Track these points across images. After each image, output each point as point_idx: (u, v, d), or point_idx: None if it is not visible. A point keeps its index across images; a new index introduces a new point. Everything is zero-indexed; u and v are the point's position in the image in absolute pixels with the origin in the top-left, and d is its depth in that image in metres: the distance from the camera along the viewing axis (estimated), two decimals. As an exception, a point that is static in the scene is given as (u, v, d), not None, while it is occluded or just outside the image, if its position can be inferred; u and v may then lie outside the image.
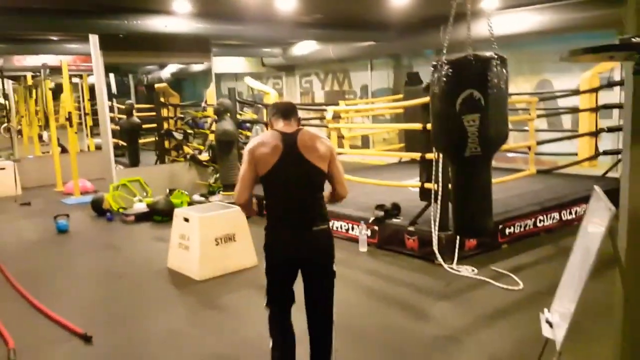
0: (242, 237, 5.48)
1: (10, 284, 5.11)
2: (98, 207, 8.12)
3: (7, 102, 12.16)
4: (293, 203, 2.92)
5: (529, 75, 9.84)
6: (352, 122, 10.70)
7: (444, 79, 3.66)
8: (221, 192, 7.76)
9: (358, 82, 13.39)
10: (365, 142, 12.73)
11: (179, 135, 10.06)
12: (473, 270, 5.07)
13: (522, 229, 6.02)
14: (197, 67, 14.67)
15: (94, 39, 8.09)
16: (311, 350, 3.08)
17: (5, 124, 10.89)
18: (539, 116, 7.33)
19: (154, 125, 10.79)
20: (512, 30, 8.89)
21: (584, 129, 7.49)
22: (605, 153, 7.54)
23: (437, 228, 5.31)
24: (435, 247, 5.28)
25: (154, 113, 10.96)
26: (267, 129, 6.46)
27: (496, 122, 3.74)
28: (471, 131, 3.66)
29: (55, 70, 10.92)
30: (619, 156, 7.08)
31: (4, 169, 9.98)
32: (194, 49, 9.05)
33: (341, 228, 6.43)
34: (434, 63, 3.71)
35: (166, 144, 10.57)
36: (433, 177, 5.39)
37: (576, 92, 7.52)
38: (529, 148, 6.57)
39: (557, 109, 8.84)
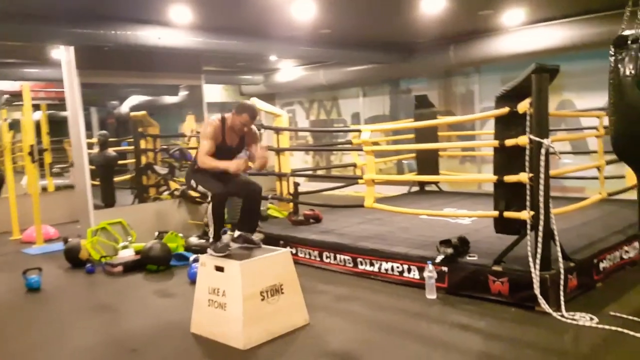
0: (291, 288, 4.26)
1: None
2: (73, 257, 6.63)
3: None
4: None
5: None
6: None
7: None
8: (229, 233, 6.46)
9: (348, 110, 12.48)
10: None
11: (162, 170, 8.69)
12: (592, 319, 4.04)
13: (611, 263, 5.09)
14: (169, 99, 13.43)
15: (68, 52, 6.75)
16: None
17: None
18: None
19: (131, 160, 9.37)
20: (534, 47, 8.28)
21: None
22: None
23: (538, 267, 4.28)
24: (537, 291, 4.23)
25: (128, 147, 9.55)
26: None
27: None
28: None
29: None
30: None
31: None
32: (184, 68, 7.87)
33: (392, 270, 5.30)
34: (620, 40, 2.74)
35: (144, 179, 9.14)
36: (528, 204, 4.38)
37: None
38: (598, 169, 5.73)
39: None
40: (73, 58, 6.75)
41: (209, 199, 4.29)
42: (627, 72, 2.69)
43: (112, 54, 6.95)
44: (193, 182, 4.36)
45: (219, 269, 4.08)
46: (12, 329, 4.63)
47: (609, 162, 5.83)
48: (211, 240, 4.27)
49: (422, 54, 9.67)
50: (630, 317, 4.01)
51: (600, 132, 5.64)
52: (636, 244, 5.47)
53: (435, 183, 9.30)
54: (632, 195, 6.74)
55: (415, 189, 9.48)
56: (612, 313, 4.13)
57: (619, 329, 3.80)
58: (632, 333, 3.73)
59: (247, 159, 4.43)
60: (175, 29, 6.69)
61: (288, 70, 12.02)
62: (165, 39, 6.63)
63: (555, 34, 8.01)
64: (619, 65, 2.75)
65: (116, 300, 5.30)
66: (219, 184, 4.19)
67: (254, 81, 12.61)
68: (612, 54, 2.82)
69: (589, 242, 5.14)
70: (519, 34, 8.37)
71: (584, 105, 8.63)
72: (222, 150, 4.26)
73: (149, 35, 6.48)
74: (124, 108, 12.09)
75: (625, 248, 5.30)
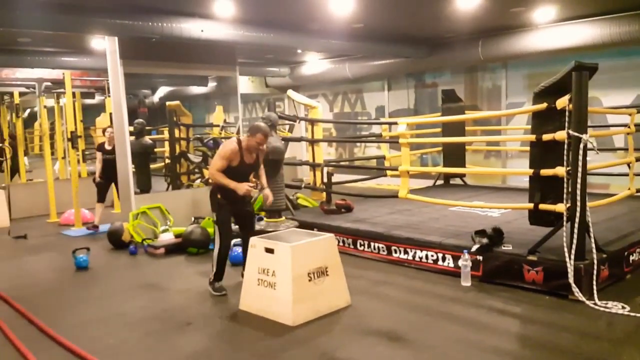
0: (335, 271, 4.49)
1: (52, 340, 3.92)
2: (116, 239, 6.93)
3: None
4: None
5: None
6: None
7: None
8: (265, 219, 6.71)
9: (373, 103, 12.67)
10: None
11: (196, 158, 8.97)
12: (624, 307, 4.22)
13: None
14: (196, 90, 13.71)
15: (113, 43, 7.01)
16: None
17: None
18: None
19: (163, 149, 9.68)
20: (562, 44, 8.39)
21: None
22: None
23: (573, 257, 4.46)
24: (571, 280, 4.42)
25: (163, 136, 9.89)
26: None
27: None
28: None
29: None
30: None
31: (-7, 195, 8.64)
32: (220, 59, 8.09)
33: (427, 258, 5.51)
34: None
35: (177, 167, 9.45)
36: (565, 196, 4.57)
37: None
38: (629, 165, 5.88)
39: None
40: (117, 48, 7.01)
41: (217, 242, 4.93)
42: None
43: (152, 45, 7.20)
44: (214, 216, 5.01)
45: (269, 250, 4.33)
46: (68, 303, 4.91)
47: (638, 159, 5.96)
48: (212, 279, 4.93)
49: (449, 48, 9.81)
50: (661, 306, 4.18)
51: (631, 130, 5.77)
52: (664, 238, 5.61)
53: (461, 177, 9.48)
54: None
55: (440, 182, 9.67)
56: (642, 302, 4.31)
57: (651, 317, 3.98)
58: (663, 320, 3.92)
59: (255, 186, 4.96)
60: (218, 22, 6.91)
61: (314, 63, 12.22)
62: (208, 31, 6.86)
63: (584, 32, 8.11)
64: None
65: (162, 279, 5.58)
66: (230, 233, 5.01)
67: (280, 73, 12.82)
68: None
69: (619, 235, 5.30)
70: (548, 31, 8.49)
71: (610, 103, 8.74)
72: (241, 170, 4.83)
73: (192, 28, 6.72)
74: (156, 97, 12.41)
75: (655, 242, 5.45)
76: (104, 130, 8.21)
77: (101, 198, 8.18)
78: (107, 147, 8.06)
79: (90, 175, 11.21)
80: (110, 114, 8.31)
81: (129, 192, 7.32)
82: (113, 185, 8.15)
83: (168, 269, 5.99)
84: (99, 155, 8.11)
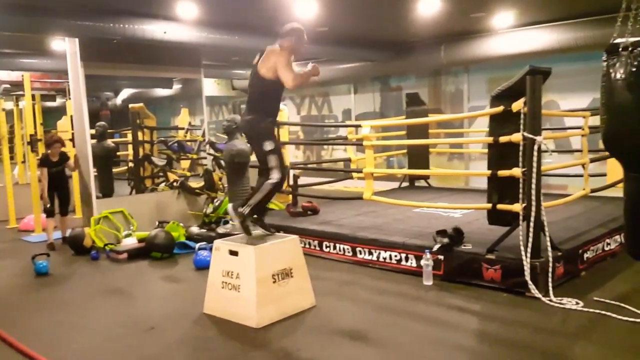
0: (299, 273, 4.52)
1: (12, 347, 3.83)
2: (77, 245, 6.79)
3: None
4: None
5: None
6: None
7: (637, 63, 2.96)
8: (231, 222, 6.70)
9: (339, 106, 12.76)
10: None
11: (160, 161, 8.86)
12: (578, 303, 4.38)
13: (595, 254, 5.46)
14: (161, 92, 13.57)
15: (73, 44, 6.89)
16: None
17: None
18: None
19: (126, 152, 9.53)
20: (521, 48, 8.64)
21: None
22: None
23: (529, 255, 4.61)
24: (527, 277, 4.56)
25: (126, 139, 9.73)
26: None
27: None
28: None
29: None
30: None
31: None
32: (184, 62, 8.03)
33: (390, 259, 5.60)
34: (613, 47, 3.02)
35: (140, 171, 9.30)
36: (521, 196, 4.71)
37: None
38: (583, 166, 6.09)
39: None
40: (78, 50, 6.89)
41: (272, 178, 4.25)
42: (618, 76, 3.01)
43: (114, 47, 7.10)
44: (269, 146, 4.21)
45: (233, 253, 4.33)
46: (30, 309, 4.80)
47: (592, 160, 6.19)
48: (249, 212, 4.33)
49: (413, 52, 9.97)
50: (613, 302, 4.35)
51: (585, 132, 5.99)
52: (617, 236, 5.85)
53: (425, 179, 9.64)
54: (612, 192, 7.16)
55: (405, 184, 9.82)
56: (595, 298, 4.47)
57: (603, 312, 4.14)
58: (614, 315, 4.08)
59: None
60: (181, 23, 6.87)
61: (280, 66, 12.22)
62: (171, 33, 6.81)
63: (542, 37, 8.36)
64: (611, 70, 3.06)
65: (125, 285, 5.50)
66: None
67: (246, 76, 12.74)
68: (605, 59, 3.12)
69: (575, 234, 5.49)
70: (508, 36, 8.72)
71: (568, 105, 9.04)
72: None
73: (155, 29, 6.66)
74: (119, 100, 12.25)
75: (607, 240, 5.68)
76: (48, 145, 7.15)
77: (51, 214, 7.28)
78: (53, 159, 7.11)
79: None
80: (72, 116, 8.12)
81: (90, 196, 7.19)
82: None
83: (131, 274, 5.91)
84: (44, 171, 7.04)
